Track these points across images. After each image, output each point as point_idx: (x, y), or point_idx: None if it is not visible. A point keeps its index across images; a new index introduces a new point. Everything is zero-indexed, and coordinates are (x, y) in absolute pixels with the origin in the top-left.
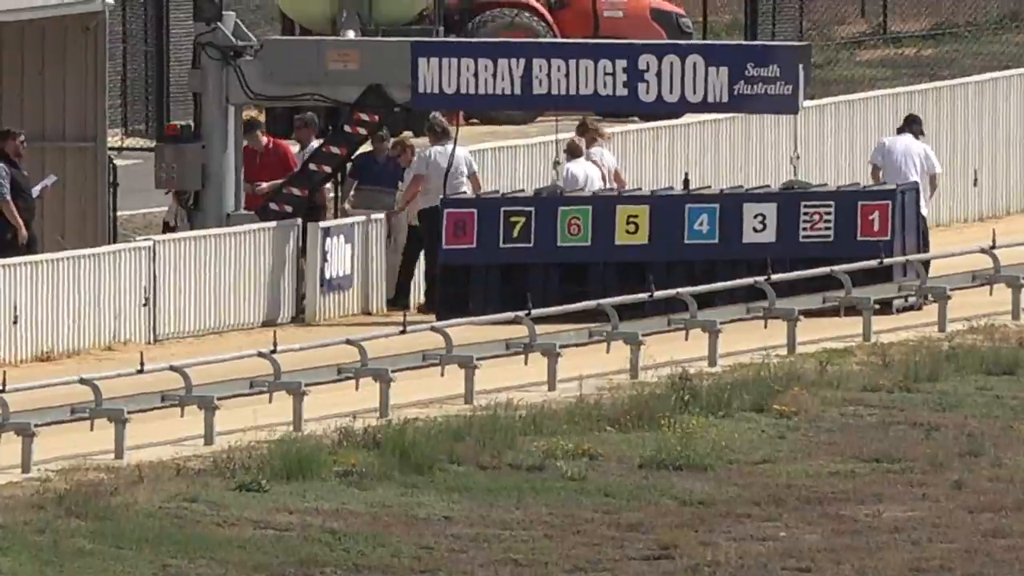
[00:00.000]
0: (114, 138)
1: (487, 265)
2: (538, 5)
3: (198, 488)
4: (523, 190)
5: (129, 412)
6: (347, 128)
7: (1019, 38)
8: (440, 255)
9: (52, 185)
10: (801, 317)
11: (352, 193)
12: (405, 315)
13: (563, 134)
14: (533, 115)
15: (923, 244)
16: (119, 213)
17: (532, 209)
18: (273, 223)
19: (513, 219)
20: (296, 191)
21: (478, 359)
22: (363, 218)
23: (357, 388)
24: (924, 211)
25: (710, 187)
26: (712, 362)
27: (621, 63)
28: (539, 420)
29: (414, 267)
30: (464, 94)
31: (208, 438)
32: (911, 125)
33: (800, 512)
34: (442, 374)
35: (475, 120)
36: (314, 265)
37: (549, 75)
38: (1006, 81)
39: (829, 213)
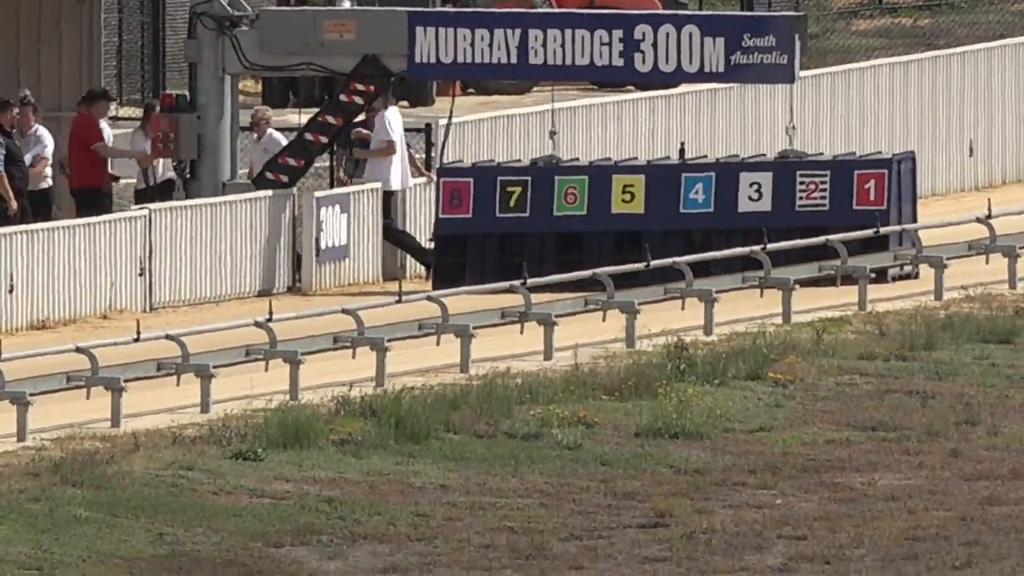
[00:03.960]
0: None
1: (483, 234)
2: None
3: (194, 456)
4: (519, 160)
5: (125, 380)
6: (343, 98)
7: (1015, 8)
8: (436, 225)
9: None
10: (797, 286)
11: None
12: (401, 284)
13: (559, 104)
14: (529, 85)
15: None
16: (114, 183)
17: (528, 178)
18: (269, 192)
19: (509, 189)
20: (292, 161)
21: (474, 328)
22: (359, 188)
23: (354, 357)
24: None
25: (706, 156)
26: (708, 331)
27: (617, 33)
28: (535, 389)
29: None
30: (460, 64)
31: (204, 406)
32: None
33: (796, 480)
34: (438, 343)
35: (471, 90)
36: (310, 235)
37: (545, 45)
38: (1001, 51)
39: (825, 182)
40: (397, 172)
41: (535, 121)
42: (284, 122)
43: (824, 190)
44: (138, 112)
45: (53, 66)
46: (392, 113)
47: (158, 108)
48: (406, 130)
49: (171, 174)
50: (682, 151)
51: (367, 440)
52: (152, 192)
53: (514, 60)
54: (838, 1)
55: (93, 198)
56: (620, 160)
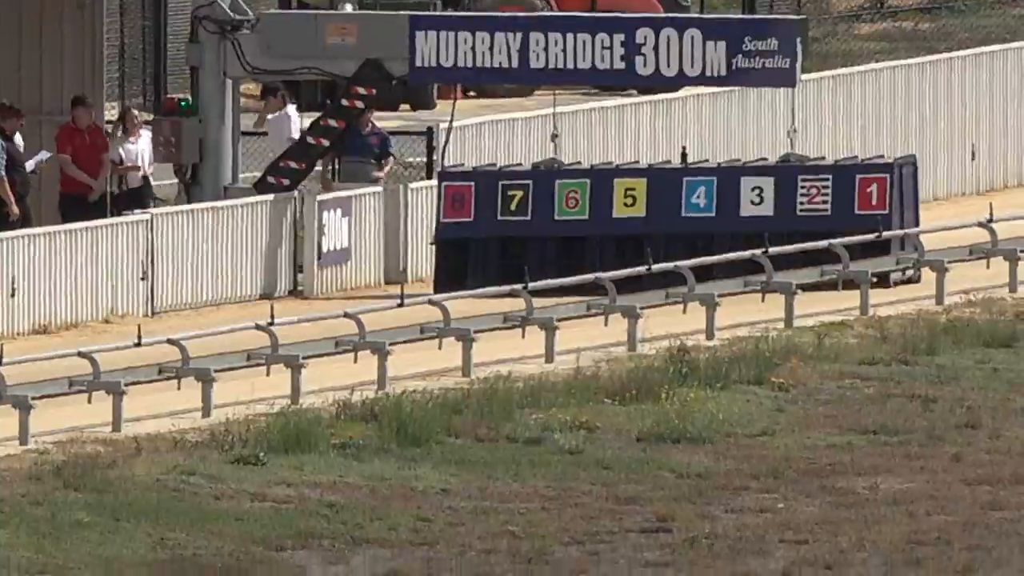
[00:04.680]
0: (111, 112)
1: (485, 238)
2: None
3: (196, 461)
4: (521, 163)
5: (127, 385)
6: (344, 102)
7: (1016, 11)
8: (438, 229)
9: (47, 160)
10: (799, 290)
11: (338, 167)
12: (403, 288)
13: (561, 107)
14: (531, 89)
15: None
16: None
17: (530, 182)
18: (270, 196)
19: (511, 192)
20: (294, 164)
21: (476, 332)
22: (360, 191)
23: (355, 361)
24: None
25: (708, 160)
26: (710, 335)
27: (619, 37)
28: (537, 393)
29: None
30: (462, 68)
31: (206, 411)
32: None
33: (798, 484)
34: (439, 347)
35: (473, 93)
36: (311, 238)
37: (546, 49)
38: (1003, 55)
39: (827, 187)
40: None
41: (536, 125)
42: None
43: (826, 194)
44: (141, 116)
45: (55, 70)
46: (292, 111)
47: (136, 112)
48: (407, 134)
49: (142, 182)
50: (684, 155)
51: (368, 444)
52: (125, 198)
53: (515, 64)
54: (840, 4)
55: (73, 206)
56: (622, 164)
